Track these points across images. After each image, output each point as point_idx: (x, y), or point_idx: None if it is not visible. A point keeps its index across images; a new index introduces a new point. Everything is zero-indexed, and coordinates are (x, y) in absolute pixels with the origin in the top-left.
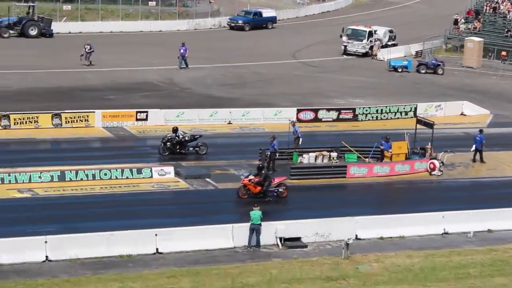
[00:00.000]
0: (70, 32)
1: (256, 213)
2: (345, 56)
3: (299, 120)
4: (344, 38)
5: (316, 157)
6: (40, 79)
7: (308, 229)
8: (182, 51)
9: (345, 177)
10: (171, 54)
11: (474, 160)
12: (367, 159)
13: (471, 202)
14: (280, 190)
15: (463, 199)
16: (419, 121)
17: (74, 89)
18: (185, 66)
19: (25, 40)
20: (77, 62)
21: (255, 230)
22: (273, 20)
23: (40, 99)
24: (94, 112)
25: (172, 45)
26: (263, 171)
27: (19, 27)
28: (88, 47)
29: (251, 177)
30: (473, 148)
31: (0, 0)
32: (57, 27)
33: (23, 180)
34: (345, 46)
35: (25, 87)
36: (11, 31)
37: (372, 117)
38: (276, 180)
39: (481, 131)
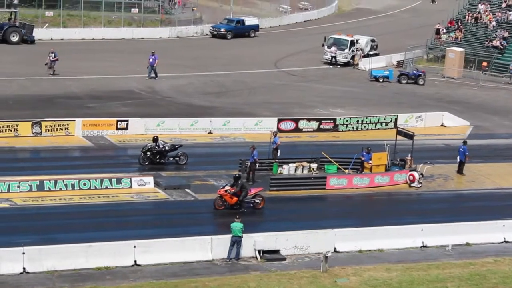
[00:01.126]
0: (52, 39)
1: (237, 225)
2: (334, 66)
3: (279, 130)
4: (333, 49)
5: (296, 168)
6: (24, 87)
7: (286, 241)
8: (151, 60)
9: (324, 188)
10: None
11: (458, 172)
12: (347, 171)
13: (450, 214)
14: (256, 201)
15: (442, 211)
16: (399, 132)
17: (55, 97)
18: (154, 76)
19: (6, 47)
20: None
21: (236, 243)
22: (255, 28)
23: (22, 107)
24: (74, 120)
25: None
26: (239, 181)
27: (1, 33)
28: (53, 55)
29: (228, 187)
30: (458, 159)
31: None
32: (39, 33)
33: (1, 190)
34: (334, 57)
35: (10, 94)
36: None
37: (353, 127)
38: (252, 191)
39: (465, 142)
